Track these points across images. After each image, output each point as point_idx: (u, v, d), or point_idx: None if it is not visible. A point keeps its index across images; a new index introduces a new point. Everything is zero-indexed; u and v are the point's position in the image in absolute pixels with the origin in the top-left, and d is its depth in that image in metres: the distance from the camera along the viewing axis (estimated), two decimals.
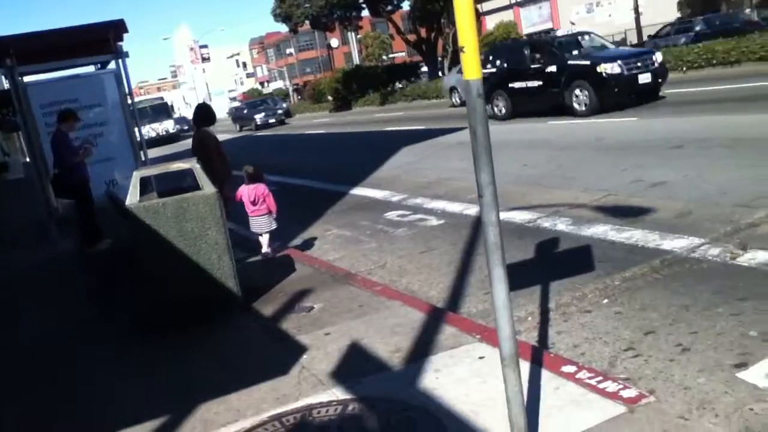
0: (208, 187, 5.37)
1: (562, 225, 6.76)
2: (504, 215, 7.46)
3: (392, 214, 8.76)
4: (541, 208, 7.51)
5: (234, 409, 3.73)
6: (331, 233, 8.43)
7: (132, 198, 5.17)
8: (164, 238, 5.18)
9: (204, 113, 7.88)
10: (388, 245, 7.32)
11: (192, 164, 5.53)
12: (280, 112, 40.61)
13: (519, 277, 5.41)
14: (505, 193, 8.52)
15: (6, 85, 11.17)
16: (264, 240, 7.17)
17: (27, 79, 10.21)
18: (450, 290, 5.52)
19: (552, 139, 12.67)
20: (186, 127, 45.46)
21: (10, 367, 5.23)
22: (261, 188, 7.04)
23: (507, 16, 41.40)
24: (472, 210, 8.03)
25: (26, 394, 4.61)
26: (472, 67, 2.42)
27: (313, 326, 4.88)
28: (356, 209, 9.64)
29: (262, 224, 7.08)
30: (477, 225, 7.36)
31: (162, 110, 42.43)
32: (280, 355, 4.43)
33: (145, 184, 5.92)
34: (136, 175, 5.31)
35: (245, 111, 41.83)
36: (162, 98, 50.21)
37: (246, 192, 7.02)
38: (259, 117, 38.88)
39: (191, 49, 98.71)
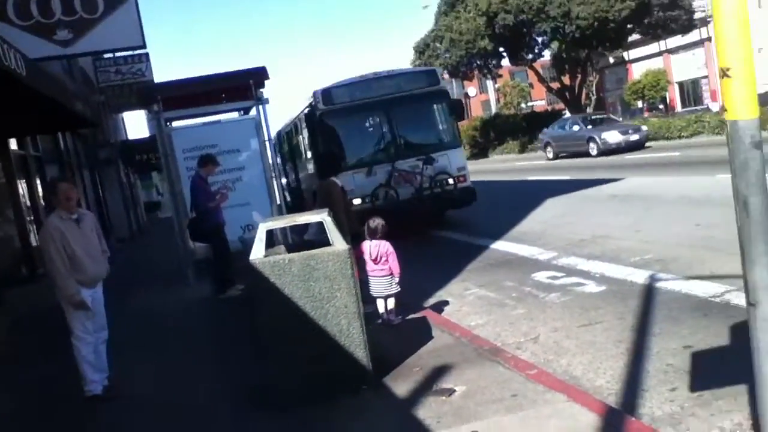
0: (339, 244, 4.73)
1: None
2: (681, 285, 6.30)
3: (541, 275, 7.75)
4: (729, 279, 6.22)
5: None
6: (472, 293, 7.56)
7: (256, 252, 4.64)
8: (289, 298, 4.58)
9: (329, 162, 7.68)
10: (539, 313, 6.33)
11: (322, 216, 4.93)
12: None
13: (711, 372, 4.30)
14: (677, 257, 7.35)
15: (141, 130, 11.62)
16: (383, 304, 6.42)
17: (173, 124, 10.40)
18: (624, 381, 4.46)
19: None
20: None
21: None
22: (385, 246, 6.32)
23: (656, 63, 39.01)
24: (639, 276, 6.87)
25: None
26: (744, 101, 1.53)
27: (455, 417, 4.02)
28: (499, 266, 8.71)
29: (382, 286, 6.34)
30: (647, 295, 6.22)
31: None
32: None
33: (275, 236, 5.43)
34: (262, 228, 4.79)
35: None
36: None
37: (368, 248, 6.37)
38: None
39: None
